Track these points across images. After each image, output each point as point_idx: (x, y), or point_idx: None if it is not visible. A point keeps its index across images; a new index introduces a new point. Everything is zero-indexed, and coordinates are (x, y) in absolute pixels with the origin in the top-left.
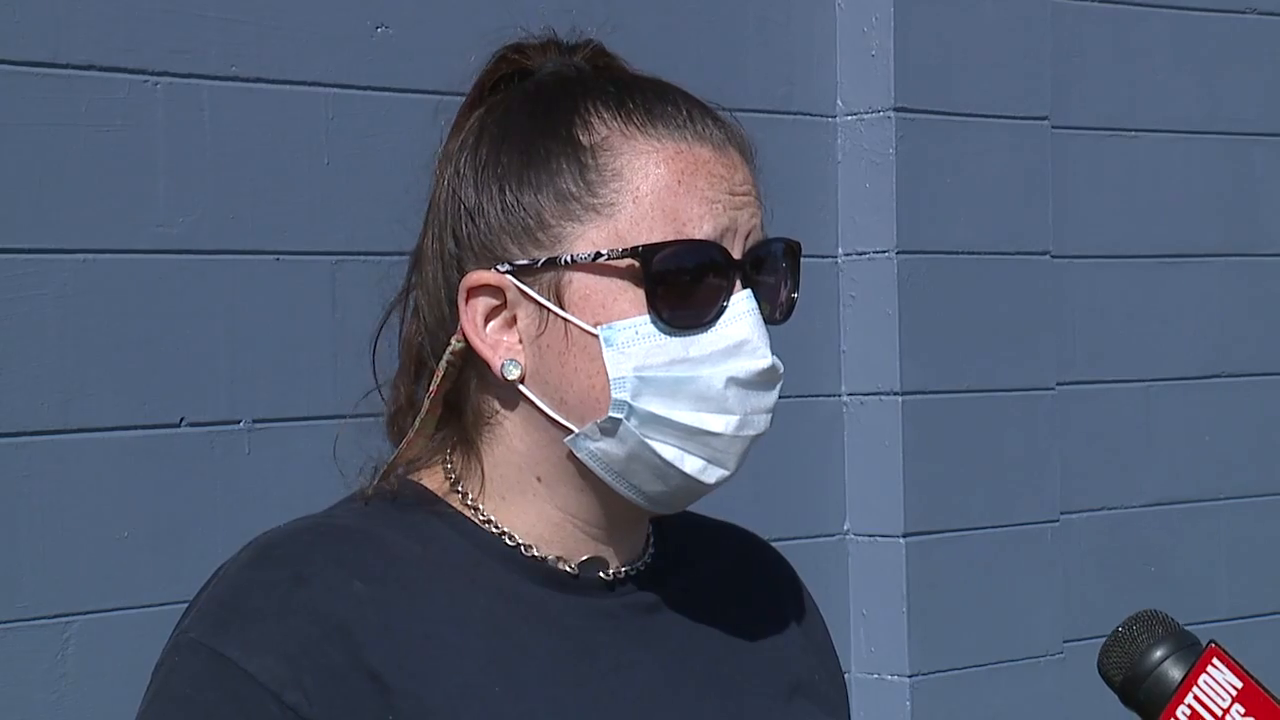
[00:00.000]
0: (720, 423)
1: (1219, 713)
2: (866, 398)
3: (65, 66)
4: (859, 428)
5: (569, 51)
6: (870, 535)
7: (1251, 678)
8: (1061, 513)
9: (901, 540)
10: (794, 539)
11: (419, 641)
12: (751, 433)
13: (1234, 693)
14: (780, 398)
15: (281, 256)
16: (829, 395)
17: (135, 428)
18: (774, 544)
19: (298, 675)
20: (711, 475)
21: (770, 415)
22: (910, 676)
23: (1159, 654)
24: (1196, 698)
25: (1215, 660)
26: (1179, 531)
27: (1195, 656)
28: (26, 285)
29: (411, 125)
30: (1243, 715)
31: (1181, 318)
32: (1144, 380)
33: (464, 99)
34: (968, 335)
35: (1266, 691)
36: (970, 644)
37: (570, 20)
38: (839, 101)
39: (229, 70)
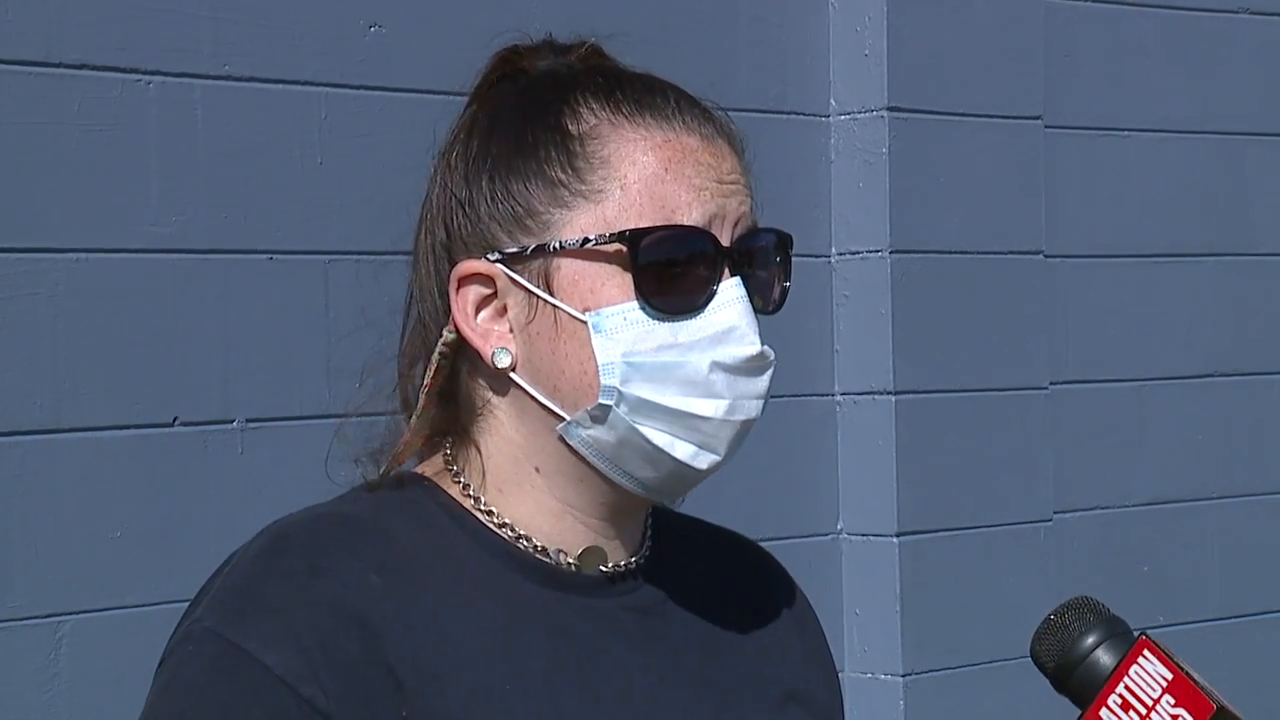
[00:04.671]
0: (709, 407)
1: (1149, 703)
2: (860, 397)
3: (58, 66)
4: (852, 427)
5: (564, 52)
6: (863, 535)
7: (1181, 669)
8: (1054, 512)
9: (895, 540)
10: (787, 538)
11: (432, 639)
12: (742, 417)
13: (1164, 684)
14: (774, 397)
15: (274, 256)
16: (822, 394)
17: (128, 427)
18: (767, 543)
19: (314, 668)
20: (703, 461)
21: (762, 402)
22: (903, 676)
23: (1090, 641)
24: (1127, 688)
25: (1146, 652)
26: (1172, 531)
27: (1126, 643)
28: (19, 285)
29: (404, 125)
30: (1172, 706)
31: (1174, 317)
32: (1137, 380)
33: (465, 104)
34: (961, 335)
35: (1196, 683)
36: (963, 643)
37: (563, 19)
38: (832, 101)
39: (221, 69)
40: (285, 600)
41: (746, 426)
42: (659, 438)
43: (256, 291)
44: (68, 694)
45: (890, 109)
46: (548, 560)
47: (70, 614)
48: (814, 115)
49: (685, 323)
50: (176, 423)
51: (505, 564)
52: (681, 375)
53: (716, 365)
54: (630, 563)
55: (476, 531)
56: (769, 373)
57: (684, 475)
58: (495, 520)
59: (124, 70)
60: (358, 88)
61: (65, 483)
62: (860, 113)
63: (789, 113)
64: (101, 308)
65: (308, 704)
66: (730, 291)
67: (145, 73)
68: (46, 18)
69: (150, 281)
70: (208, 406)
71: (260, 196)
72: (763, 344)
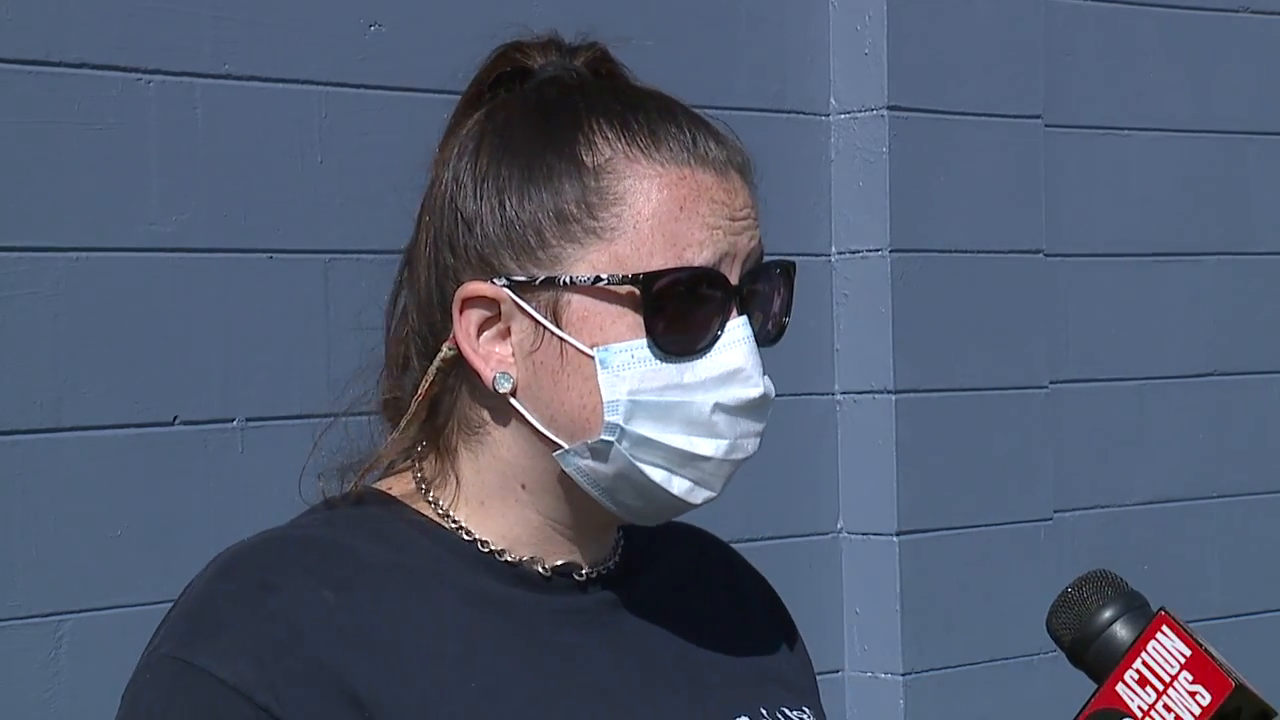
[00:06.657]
0: (710, 446)
1: (1167, 679)
2: (860, 396)
3: (58, 64)
4: (852, 426)
5: (570, 53)
6: (863, 534)
7: (1200, 645)
8: (1055, 511)
9: (895, 539)
10: (787, 537)
11: (391, 647)
12: (740, 456)
13: (1182, 660)
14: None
15: (274, 255)
16: (822, 393)
17: (128, 426)
18: (766, 543)
19: (269, 677)
20: (698, 496)
21: (760, 439)
22: (904, 675)
23: (1107, 615)
24: (1145, 663)
25: (1164, 628)
26: (1172, 530)
27: (1143, 617)
28: (19, 283)
29: (405, 124)
30: (1190, 683)
31: (1174, 316)
32: (1137, 378)
33: (461, 97)
34: (961, 333)
35: (1214, 660)
36: (964, 642)
37: (563, 19)
38: (832, 100)
39: (222, 68)
40: (236, 616)
41: (742, 463)
42: (657, 474)
43: (256, 291)
44: (68, 694)
45: (890, 108)
46: (521, 566)
47: (70, 614)
48: (814, 114)
49: (692, 363)
50: (176, 422)
51: (473, 567)
52: (685, 415)
53: (720, 407)
54: (602, 567)
55: (443, 539)
56: (768, 411)
57: (676, 508)
58: (465, 535)
59: (124, 69)
60: (358, 87)
61: (65, 482)
62: (860, 112)
63: (789, 112)
64: (101, 306)
65: (264, 711)
66: (736, 331)
67: (145, 72)
68: (46, 18)
69: (150, 280)
70: (208, 405)
71: (260, 196)
72: (764, 384)
